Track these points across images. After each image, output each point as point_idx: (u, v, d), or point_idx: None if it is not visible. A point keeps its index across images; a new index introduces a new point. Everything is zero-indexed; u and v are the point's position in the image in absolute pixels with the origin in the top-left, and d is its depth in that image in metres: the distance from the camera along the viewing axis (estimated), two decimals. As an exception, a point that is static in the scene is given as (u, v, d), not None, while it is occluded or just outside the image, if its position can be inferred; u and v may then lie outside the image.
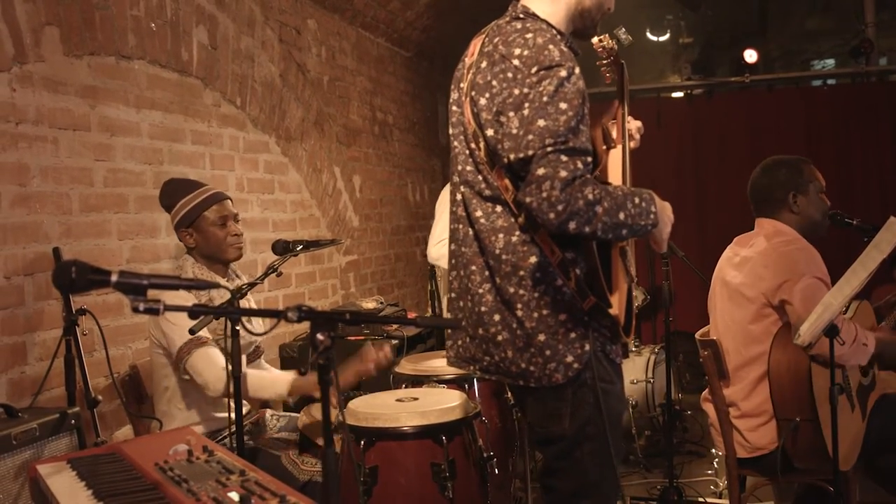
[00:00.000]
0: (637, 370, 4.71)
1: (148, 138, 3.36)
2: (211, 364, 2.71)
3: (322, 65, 4.94)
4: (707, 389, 3.11)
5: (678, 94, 7.39)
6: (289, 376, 2.85)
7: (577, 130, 1.93)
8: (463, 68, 2.20)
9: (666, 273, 4.07)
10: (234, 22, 4.01)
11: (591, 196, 1.89)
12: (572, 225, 1.89)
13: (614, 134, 2.33)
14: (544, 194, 1.87)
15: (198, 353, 2.71)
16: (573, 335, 2.05)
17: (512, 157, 1.97)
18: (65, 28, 2.91)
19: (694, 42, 8.17)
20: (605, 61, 2.42)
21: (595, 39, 2.34)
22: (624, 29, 2.45)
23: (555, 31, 2.07)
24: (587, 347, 2.06)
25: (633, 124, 2.40)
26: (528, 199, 1.91)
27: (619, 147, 2.30)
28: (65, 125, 2.93)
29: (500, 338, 2.09)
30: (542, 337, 2.05)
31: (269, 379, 2.86)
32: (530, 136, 1.91)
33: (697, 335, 3.20)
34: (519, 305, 2.06)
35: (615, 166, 2.25)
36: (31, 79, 2.78)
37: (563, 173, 1.87)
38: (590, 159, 1.96)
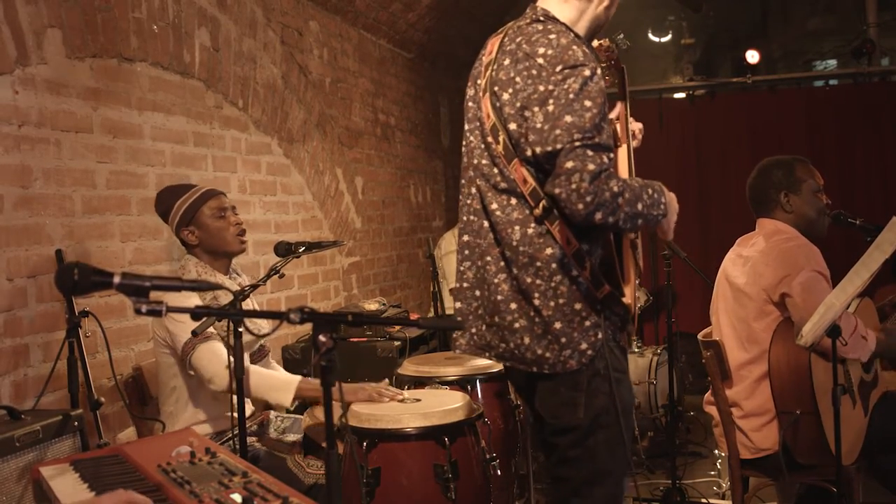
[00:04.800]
0: (639, 371, 4.71)
1: (150, 140, 3.37)
2: (215, 358, 2.70)
3: (324, 66, 4.95)
4: (709, 392, 3.11)
5: (680, 95, 7.39)
6: (295, 380, 2.80)
7: (601, 128, 2.04)
8: (480, 66, 2.29)
9: (668, 274, 4.07)
10: (236, 24, 4.02)
11: (616, 188, 2.01)
12: (599, 215, 2.01)
13: (620, 133, 2.42)
14: (573, 186, 1.98)
15: (202, 347, 2.71)
16: (588, 323, 2.14)
17: (538, 150, 2.05)
18: (67, 30, 2.92)
19: (696, 43, 8.16)
20: (604, 64, 2.50)
21: (596, 43, 2.43)
22: (623, 35, 2.55)
23: (573, 34, 2.16)
24: (600, 336, 2.15)
25: (635, 125, 2.51)
26: (557, 191, 2.01)
27: (624, 146, 2.40)
28: (67, 127, 2.93)
29: (516, 325, 2.17)
30: (558, 325, 2.13)
31: (277, 381, 2.81)
32: (558, 131, 2.01)
33: (700, 336, 3.20)
34: (536, 295, 2.14)
35: (622, 163, 2.36)
36: (33, 81, 2.79)
37: (592, 166, 1.98)
38: (612, 155, 2.08)
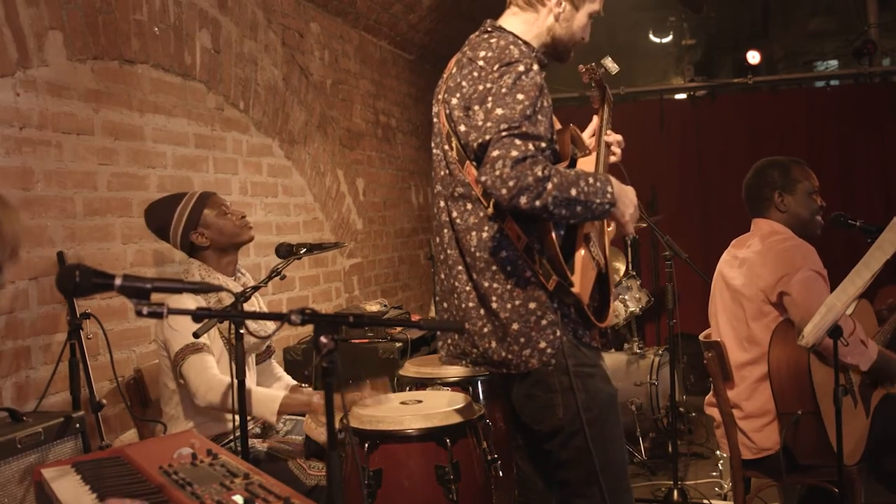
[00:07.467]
0: (641, 372, 4.70)
1: (151, 142, 3.37)
2: (202, 371, 2.70)
3: (325, 68, 4.95)
4: (710, 393, 3.11)
5: (681, 96, 7.39)
6: (278, 396, 2.75)
7: (534, 119, 2.08)
8: (440, 82, 2.38)
9: (669, 275, 4.07)
10: (237, 25, 4.02)
11: (540, 173, 2.01)
12: (523, 199, 2.00)
13: (590, 143, 2.51)
14: (497, 172, 2.01)
15: (191, 359, 2.71)
16: (544, 322, 2.20)
17: (475, 144, 2.14)
18: (68, 32, 2.92)
19: (697, 44, 8.16)
20: (593, 87, 2.62)
21: (582, 68, 2.56)
22: (611, 58, 2.62)
23: (520, 41, 2.24)
24: (558, 333, 2.20)
25: (613, 137, 2.53)
26: (483, 178, 2.05)
27: (593, 155, 2.46)
28: (68, 129, 2.94)
29: (485, 329, 2.25)
30: (515, 326, 2.20)
31: (261, 396, 2.76)
32: (489, 123, 2.08)
33: (701, 337, 3.20)
34: (493, 298, 2.21)
35: (588, 169, 2.34)
36: (34, 83, 2.79)
37: (515, 153, 2.01)
38: (544, 145, 2.11)
